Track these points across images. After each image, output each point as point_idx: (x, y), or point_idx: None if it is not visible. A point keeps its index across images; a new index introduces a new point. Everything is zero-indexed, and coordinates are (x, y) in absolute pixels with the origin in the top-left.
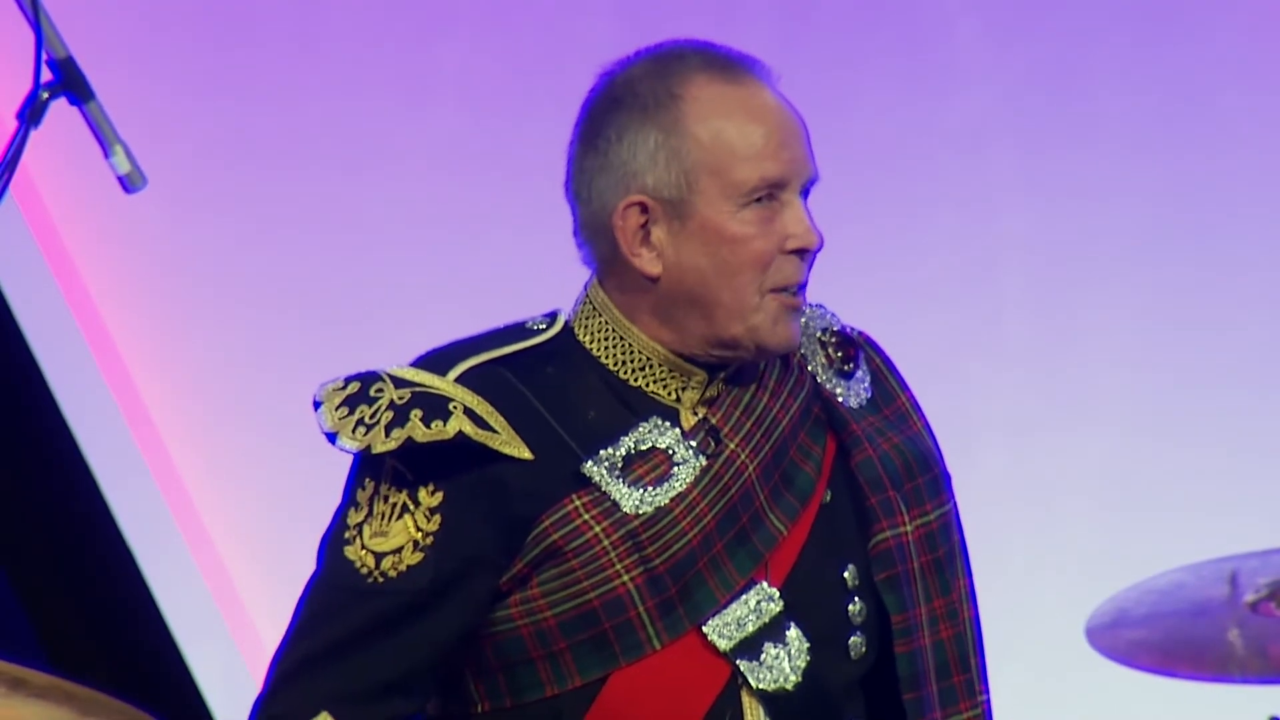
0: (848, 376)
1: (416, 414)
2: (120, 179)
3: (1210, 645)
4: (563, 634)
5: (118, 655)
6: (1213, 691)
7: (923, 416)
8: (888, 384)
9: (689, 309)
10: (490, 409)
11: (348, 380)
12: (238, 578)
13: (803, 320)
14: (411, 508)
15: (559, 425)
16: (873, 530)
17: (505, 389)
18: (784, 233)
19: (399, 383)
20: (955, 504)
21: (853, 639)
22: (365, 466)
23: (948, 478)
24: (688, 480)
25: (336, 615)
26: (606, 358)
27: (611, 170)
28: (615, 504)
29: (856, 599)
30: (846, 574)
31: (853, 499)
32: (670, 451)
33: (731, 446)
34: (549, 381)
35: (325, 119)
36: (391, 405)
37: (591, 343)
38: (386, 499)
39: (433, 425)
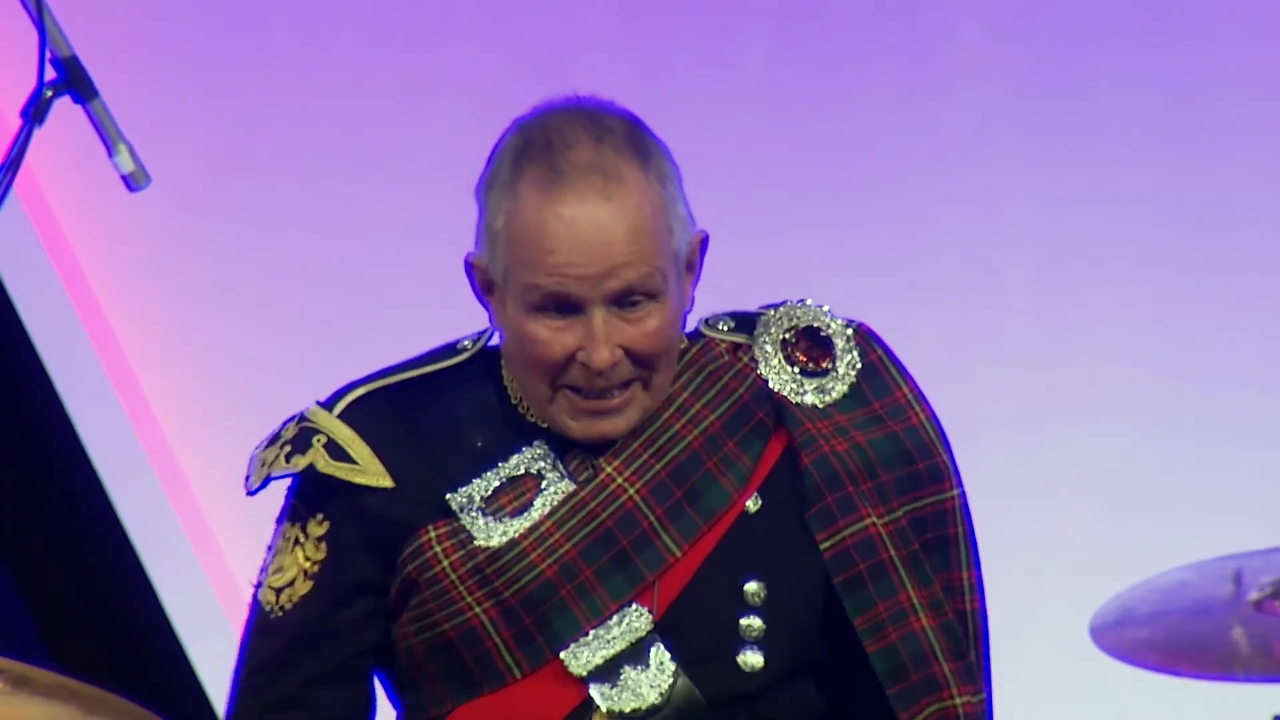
0: (819, 374)
1: (286, 450)
2: (124, 178)
3: (1214, 644)
4: (430, 661)
5: (121, 653)
6: (1216, 690)
7: (927, 406)
8: (887, 376)
9: (518, 371)
10: (355, 439)
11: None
12: (241, 576)
13: (763, 321)
14: (303, 539)
15: (439, 452)
16: (829, 530)
17: (385, 418)
18: (576, 344)
19: (300, 421)
20: (963, 491)
21: (743, 654)
22: (281, 512)
23: (955, 466)
24: (543, 511)
25: (254, 654)
26: (510, 383)
27: (481, 215)
28: (470, 535)
29: (754, 614)
30: (748, 587)
31: (796, 504)
32: (542, 479)
33: (608, 470)
34: (444, 407)
35: (329, 118)
36: (282, 444)
37: (503, 368)
38: (285, 536)
39: (292, 460)
